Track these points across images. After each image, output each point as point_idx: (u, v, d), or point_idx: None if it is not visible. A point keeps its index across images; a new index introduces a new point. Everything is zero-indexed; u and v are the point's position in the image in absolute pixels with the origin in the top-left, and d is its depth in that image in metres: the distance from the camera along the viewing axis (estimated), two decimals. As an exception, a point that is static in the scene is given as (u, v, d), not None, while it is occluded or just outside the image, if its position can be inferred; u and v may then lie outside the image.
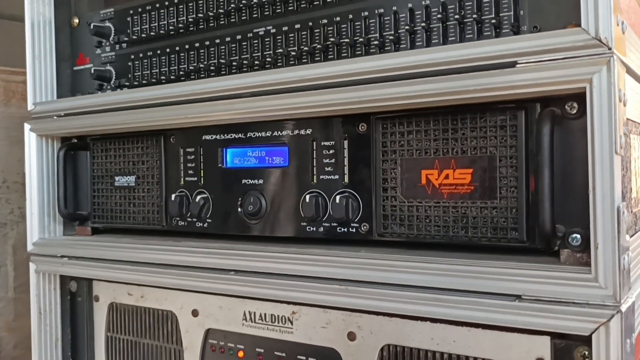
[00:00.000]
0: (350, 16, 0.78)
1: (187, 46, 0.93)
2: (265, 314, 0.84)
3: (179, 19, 0.94)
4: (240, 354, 0.87)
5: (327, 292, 0.72)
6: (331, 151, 0.78)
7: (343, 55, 0.78)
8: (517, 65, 0.60)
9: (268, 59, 0.85)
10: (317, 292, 0.73)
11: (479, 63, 0.62)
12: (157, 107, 0.88)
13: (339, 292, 0.71)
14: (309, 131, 0.80)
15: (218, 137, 0.88)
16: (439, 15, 0.71)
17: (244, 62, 0.87)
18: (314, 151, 0.79)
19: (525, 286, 0.60)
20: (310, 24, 0.81)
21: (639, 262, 0.67)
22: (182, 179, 0.92)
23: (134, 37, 0.98)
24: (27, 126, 1.05)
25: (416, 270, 0.67)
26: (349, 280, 0.72)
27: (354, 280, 0.71)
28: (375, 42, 0.76)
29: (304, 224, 0.80)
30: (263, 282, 0.78)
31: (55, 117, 1.01)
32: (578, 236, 0.62)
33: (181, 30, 0.93)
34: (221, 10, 0.89)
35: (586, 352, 0.60)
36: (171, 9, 0.94)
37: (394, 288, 0.68)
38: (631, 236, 0.62)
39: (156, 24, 0.96)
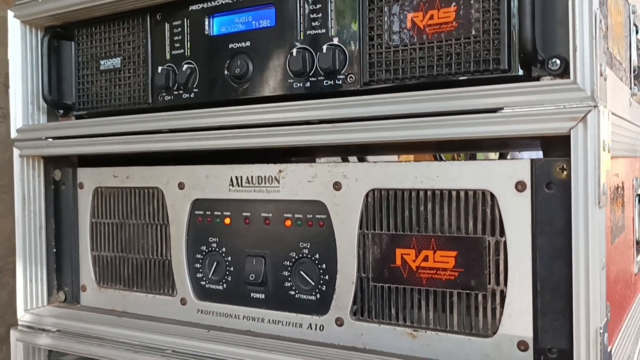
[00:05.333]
0: None
1: None
2: (252, 177, 0.85)
3: None
4: (227, 220, 0.89)
5: (316, 131, 0.74)
6: (318, 5, 0.79)
7: None
8: None
9: None
10: (306, 132, 0.75)
11: None
12: (144, -24, 0.89)
13: (328, 129, 0.73)
14: (296, -13, 0.81)
15: (205, 5, 0.88)
16: None
17: None
18: (301, 7, 0.80)
19: (506, 99, 0.62)
20: None
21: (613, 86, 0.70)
22: (168, 53, 0.92)
23: None
24: (10, 13, 1.04)
25: (400, 100, 0.69)
26: (337, 120, 0.73)
27: (341, 119, 0.73)
28: None
29: (291, 80, 0.81)
30: (252, 131, 0.79)
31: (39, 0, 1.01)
32: (558, 60, 0.64)
33: None
34: None
35: (564, 165, 0.63)
36: None
37: (382, 119, 0.70)
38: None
39: None
